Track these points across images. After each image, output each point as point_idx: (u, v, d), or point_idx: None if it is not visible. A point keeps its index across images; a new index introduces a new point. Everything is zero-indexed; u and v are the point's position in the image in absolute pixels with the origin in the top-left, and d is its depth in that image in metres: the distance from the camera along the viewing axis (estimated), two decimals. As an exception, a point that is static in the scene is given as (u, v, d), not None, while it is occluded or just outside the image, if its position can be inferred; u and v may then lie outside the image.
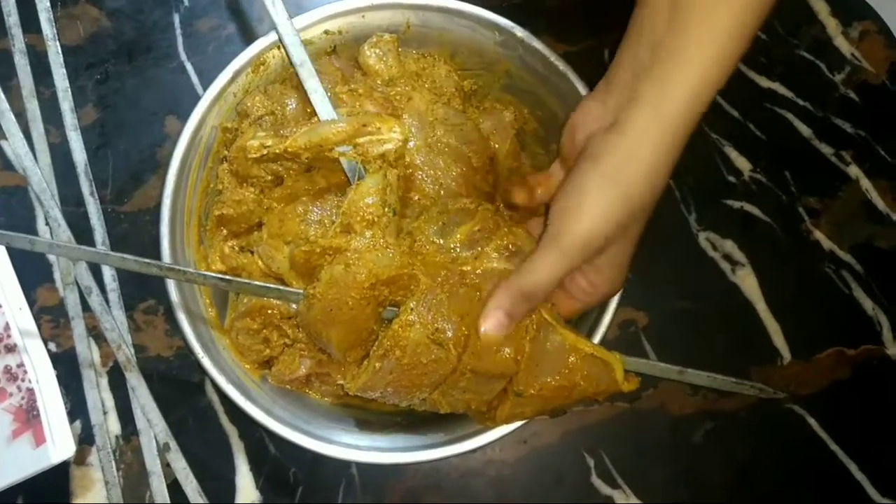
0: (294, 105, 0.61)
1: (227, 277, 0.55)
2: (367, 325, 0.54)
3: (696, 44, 0.48)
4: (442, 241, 0.55)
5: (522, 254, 0.53)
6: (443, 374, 0.52)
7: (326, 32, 0.63)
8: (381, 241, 0.54)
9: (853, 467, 0.66)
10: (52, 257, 0.70)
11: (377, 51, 0.63)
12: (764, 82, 0.75)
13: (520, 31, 0.62)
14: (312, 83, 0.59)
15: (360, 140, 0.57)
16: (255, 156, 0.58)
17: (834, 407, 0.68)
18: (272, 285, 0.56)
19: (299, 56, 0.59)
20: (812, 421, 0.67)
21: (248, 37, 0.73)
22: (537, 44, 0.61)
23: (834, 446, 0.67)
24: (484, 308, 0.51)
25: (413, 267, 0.53)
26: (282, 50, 0.62)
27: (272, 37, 0.61)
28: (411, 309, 0.51)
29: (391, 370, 0.52)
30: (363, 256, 0.53)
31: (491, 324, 0.50)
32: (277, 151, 0.57)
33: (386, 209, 0.54)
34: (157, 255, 0.59)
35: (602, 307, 0.58)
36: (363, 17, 0.63)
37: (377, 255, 0.53)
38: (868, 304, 0.70)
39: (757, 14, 0.49)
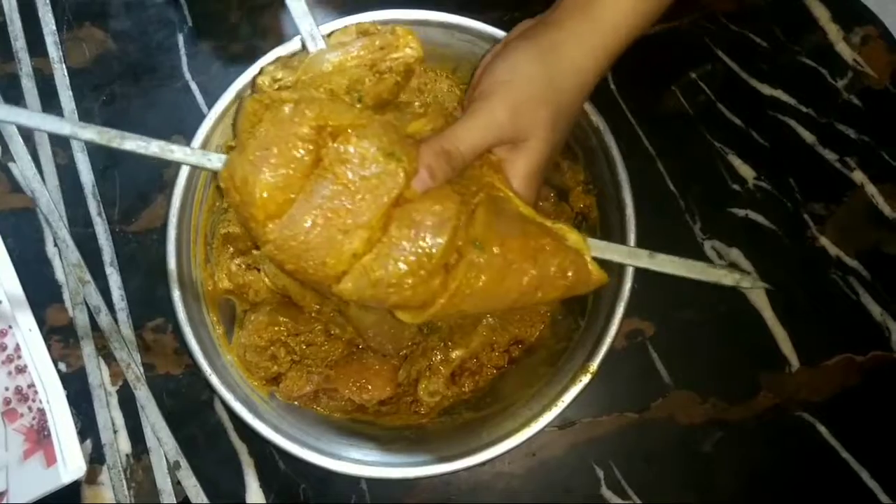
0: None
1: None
2: (298, 178, 0.48)
3: None
4: None
5: None
6: (386, 201, 0.47)
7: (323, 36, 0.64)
8: (340, 99, 0.51)
9: (865, 474, 0.66)
10: (61, 279, 0.71)
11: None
12: (766, 89, 0.75)
13: (520, 45, 0.62)
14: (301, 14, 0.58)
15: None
16: (268, 90, 0.57)
17: (844, 414, 0.67)
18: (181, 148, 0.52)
19: None
20: (822, 428, 0.67)
21: (252, 56, 0.73)
22: (538, 57, 0.61)
23: (845, 454, 0.66)
24: None
25: (369, 121, 0.49)
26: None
27: (273, 55, 0.62)
28: (363, 125, 0.48)
29: (324, 194, 0.47)
30: (316, 99, 0.50)
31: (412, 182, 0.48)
32: (290, 82, 0.55)
33: (353, 93, 0.52)
34: (165, 274, 0.59)
35: (608, 318, 0.57)
36: (364, 31, 0.64)
37: (332, 103, 0.50)
38: (876, 310, 0.70)
39: None
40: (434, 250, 0.47)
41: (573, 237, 0.51)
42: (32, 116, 0.51)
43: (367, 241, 0.47)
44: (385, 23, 0.63)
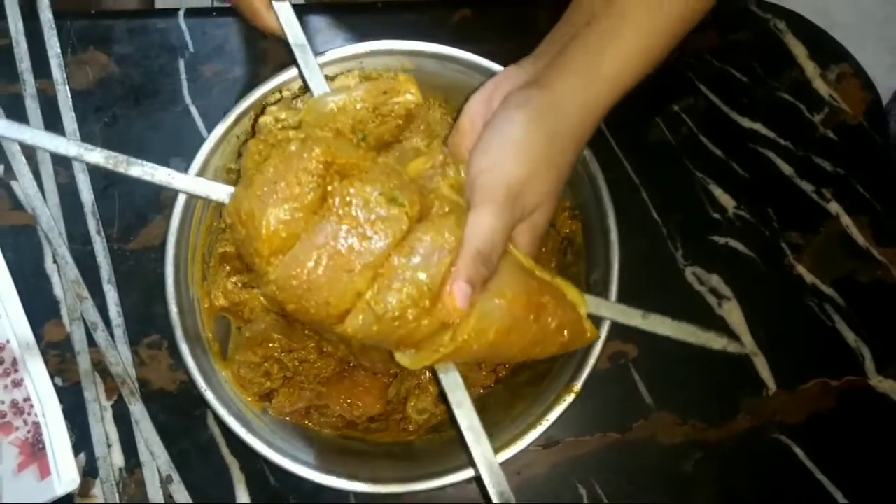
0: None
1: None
2: (304, 214, 0.48)
3: (636, 26, 0.52)
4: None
5: None
6: (390, 243, 0.47)
7: (326, 78, 0.66)
8: (345, 138, 0.52)
9: (839, 496, 0.67)
10: (59, 294, 0.72)
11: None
12: (746, 123, 0.78)
13: (510, 76, 0.64)
14: (308, 60, 0.60)
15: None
16: (273, 130, 0.58)
17: (819, 437, 0.69)
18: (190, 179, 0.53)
19: (296, 36, 0.61)
20: (798, 450, 0.69)
21: (251, 81, 0.75)
22: (527, 88, 0.63)
23: (820, 475, 0.68)
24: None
25: (372, 164, 0.50)
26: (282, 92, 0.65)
27: (273, 82, 0.64)
28: (366, 169, 0.49)
29: (328, 234, 0.47)
30: (323, 137, 0.51)
31: (456, 297, 0.47)
32: (294, 122, 0.57)
33: (357, 133, 0.53)
34: (162, 291, 0.60)
35: (591, 340, 0.59)
36: (361, 63, 0.66)
37: (338, 141, 0.50)
38: (850, 337, 0.72)
39: (686, 24, 0.53)
40: (435, 279, 0.47)
41: (572, 293, 0.52)
42: (39, 136, 0.52)
43: (370, 280, 0.47)
44: (381, 52, 0.65)
